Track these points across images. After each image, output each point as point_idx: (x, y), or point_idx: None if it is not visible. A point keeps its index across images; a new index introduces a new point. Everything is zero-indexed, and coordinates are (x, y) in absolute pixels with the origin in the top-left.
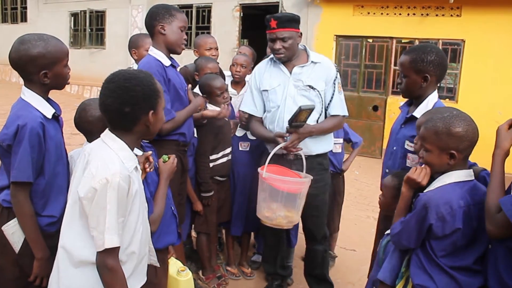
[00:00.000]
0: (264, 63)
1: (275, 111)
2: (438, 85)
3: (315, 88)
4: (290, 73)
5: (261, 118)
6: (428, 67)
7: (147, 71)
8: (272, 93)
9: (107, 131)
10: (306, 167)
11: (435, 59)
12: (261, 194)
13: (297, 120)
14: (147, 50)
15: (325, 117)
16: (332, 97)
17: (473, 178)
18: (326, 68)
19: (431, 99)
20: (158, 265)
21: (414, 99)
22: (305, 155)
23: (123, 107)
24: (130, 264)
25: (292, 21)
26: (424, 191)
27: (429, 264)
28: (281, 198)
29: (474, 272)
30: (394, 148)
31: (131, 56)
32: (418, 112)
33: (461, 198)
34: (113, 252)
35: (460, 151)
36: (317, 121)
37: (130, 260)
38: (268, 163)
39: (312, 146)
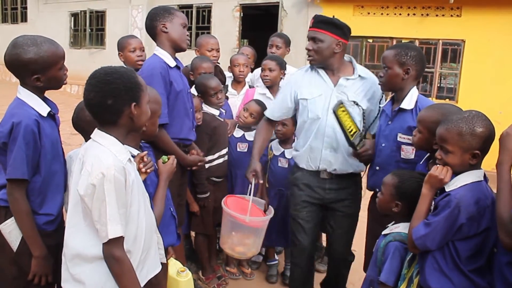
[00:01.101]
0: (301, 71)
1: (313, 122)
2: (439, 85)
3: (359, 105)
4: (335, 84)
5: (272, 121)
6: (410, 60)
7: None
8: (312, 103)
9: (96, 130)
10: (329, 187)
11: (416, 55)
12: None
13: (350, 133)
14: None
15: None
16: (376, 117)
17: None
18: (373, 85)
19: (414, 93)
20: (165, 260)
21: (395, 93)
22: (339, 173)
23: (105, 99)
24: (137, 255)
25: (329, 24)
26: (448, 190)
27: (448, 266)
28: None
29: (486, 272)
30: (383, 145)
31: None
32: (405, 104)
33: (486, 197)
34: (118, 242)
35: (482, 150)
36: None
37: (137, 251)
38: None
39: (348, 163)
